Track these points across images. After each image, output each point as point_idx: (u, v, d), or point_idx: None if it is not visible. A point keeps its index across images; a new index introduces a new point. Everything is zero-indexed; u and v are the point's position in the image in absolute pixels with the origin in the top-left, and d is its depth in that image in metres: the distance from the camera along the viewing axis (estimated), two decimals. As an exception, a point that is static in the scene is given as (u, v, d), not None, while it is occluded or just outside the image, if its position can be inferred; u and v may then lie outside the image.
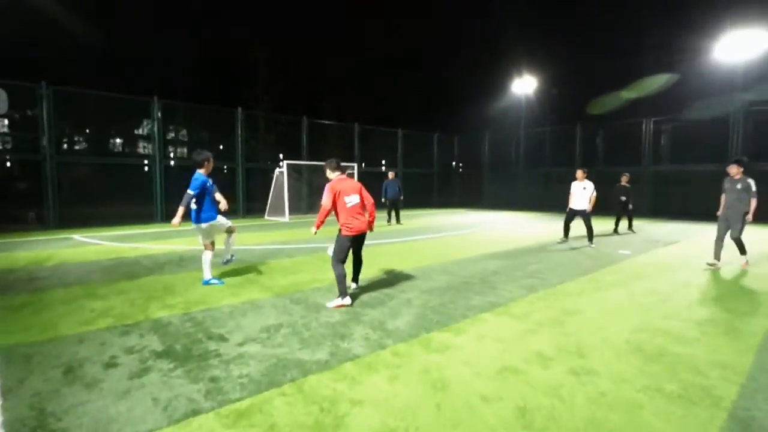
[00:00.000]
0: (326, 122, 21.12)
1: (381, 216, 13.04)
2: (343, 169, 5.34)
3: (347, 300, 4.87)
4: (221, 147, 20.00)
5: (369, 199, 5.25)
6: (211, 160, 5.86)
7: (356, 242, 5.24)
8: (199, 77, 30.37)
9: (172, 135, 23.18)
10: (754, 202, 6.79)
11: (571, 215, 9.88)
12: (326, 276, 6.37)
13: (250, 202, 17.48)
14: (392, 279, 6.23)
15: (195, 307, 4.80)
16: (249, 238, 10.88)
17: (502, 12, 38.60)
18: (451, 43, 43.30)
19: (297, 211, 17.56)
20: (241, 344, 3.72)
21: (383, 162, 23.32)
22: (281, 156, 23.03)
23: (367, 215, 5.20)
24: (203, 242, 5.89)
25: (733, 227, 6.91)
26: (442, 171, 25.71)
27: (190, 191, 5.49)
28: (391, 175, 14.63)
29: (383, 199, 14.22)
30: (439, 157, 25.50)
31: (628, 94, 26.97)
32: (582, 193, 9.61)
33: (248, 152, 18.38)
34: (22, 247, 9.23)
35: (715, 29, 17.46)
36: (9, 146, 16.92)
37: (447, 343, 3.79)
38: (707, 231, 12.69)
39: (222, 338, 3.86)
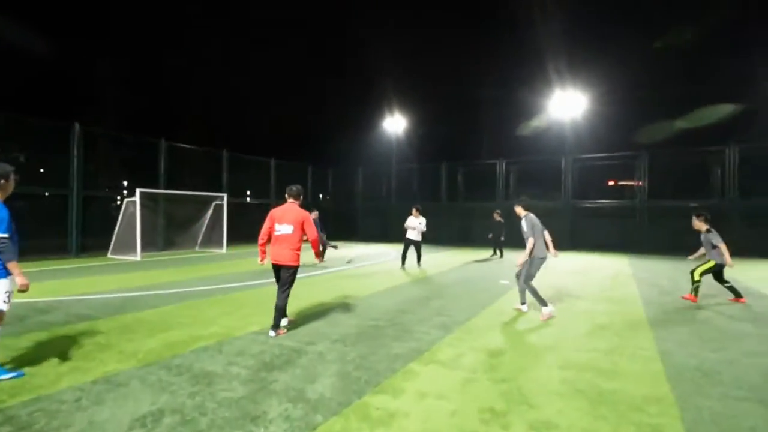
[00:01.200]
0: (189, 147, 18.87)
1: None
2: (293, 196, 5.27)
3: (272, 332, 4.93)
4: (41, 170, 16.12)
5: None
6: (11, 177, 3.71)
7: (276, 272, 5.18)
8: (29, 88, 24.77)
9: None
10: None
11: (408, 244, 11.61)
12: (210, 330, 5.17)
13: (86, 237, 14.28)
14: (290, 327, 5.34)
15: (12, 398, 3.26)
16: (89, 284, 8.64)
17: (372, 54, 40.73)
18: (325, 78, 43.95)
19: (152, 247, 14.99)
20: (102, 455, 2.52)
21: (248, 192, 21.73)
22: (125, 183, 19.70)
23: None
24: None
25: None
26: (316, 203, 25.15)
27: (3, 234, 3.47)
28: (313, 215, 13.22)
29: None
30: (314, 190, 24.92)
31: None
32: (417, 226, 11.55)
33: (85, 177, 15.24)
34: None
35: (548, 90, 20.94)
36: None
37: (388, 409, 3.16)
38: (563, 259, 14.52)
39: (67, 448, 2.58)
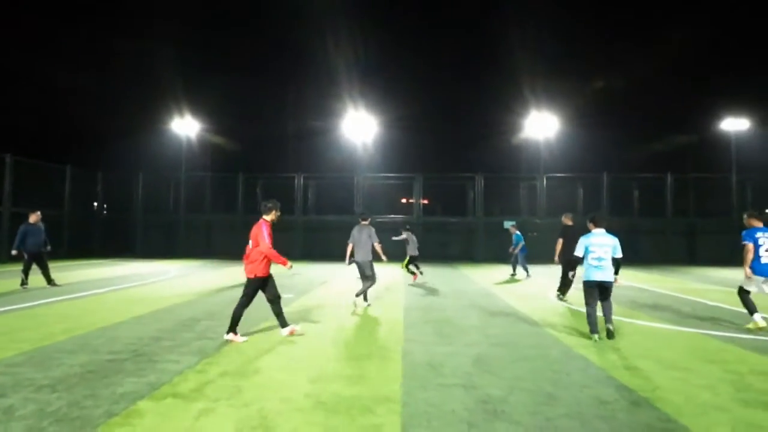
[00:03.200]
0: None
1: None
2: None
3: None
4: None
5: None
6: None
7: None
8: None
9: None
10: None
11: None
12: None
13: None
14: (-21, 378, 3.98)
15: None
16: None
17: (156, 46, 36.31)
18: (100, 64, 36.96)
19: None
20: None
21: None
22: None
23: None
24: None
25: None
26: (78, 213, 20.61)
27: None
28: (33, 218, 10.00)
29: (14, 251, 9.75)
30: (74, 196, 20.39)
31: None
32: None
33: None
34: None
35: (343, 110, 22.35)
36: None
37: (81, 469, 2.54)
38: (342, 272, 15.37)
39: None
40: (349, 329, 6.25)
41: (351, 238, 7.89)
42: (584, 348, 5.31)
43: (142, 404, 3.47)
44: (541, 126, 21.40)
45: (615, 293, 6.06)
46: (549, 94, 26.05)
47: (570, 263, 7.71)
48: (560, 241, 8.63)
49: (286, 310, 7.58)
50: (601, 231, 5.82)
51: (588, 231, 5.96)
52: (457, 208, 22.69)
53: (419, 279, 11.99)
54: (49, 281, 10.07)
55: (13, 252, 9.80)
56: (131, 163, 23.45)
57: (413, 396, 3.73)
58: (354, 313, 7.49)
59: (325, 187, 22.67)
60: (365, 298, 8.00)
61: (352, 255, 7.88)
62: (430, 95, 33.65)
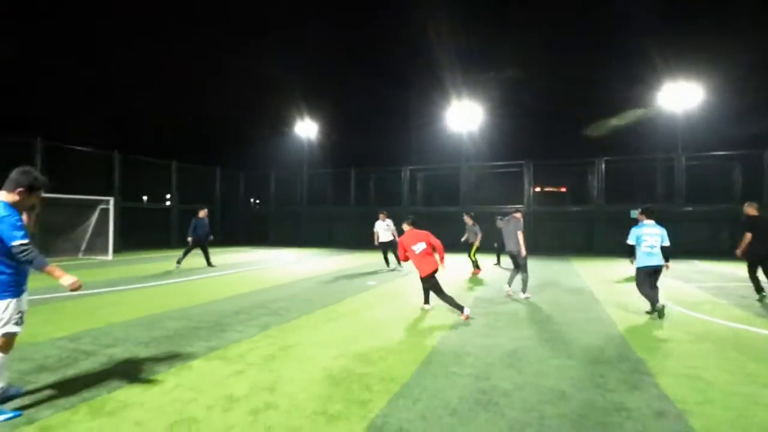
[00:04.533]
0: (74, 148, 17.73)
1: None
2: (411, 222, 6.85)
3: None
4: None
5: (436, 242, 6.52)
6: (35, 192, 3.34)
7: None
8: None
9: None
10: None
11: (384, 248, 12.38)
12: (8, 338, 5.04)
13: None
14: (109, 331, 5.36)
15: None
16: None
17: (280, 58, 40.54)
18: (238, 80, 42.98)
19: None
20: None
21: (144, 197, 20.85)
22: None
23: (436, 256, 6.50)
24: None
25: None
26: (226, 207, 24.56)
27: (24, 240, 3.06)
28: (202, 213, 12.58)
29: (189, 239, 12.28)
30: (223, 193, 24.34)
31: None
32: (386, 229, 12.28)
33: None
34: None
35: (446, 100, 22.23)
36: None
37: (128, 401, 3.37)
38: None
39: None
40: (402, 315, 6.51)
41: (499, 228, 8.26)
42: (649, 354, 4.71)
43: (196, 362, 4.31)
44: (679, 96, 18.25)
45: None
46: (688, 58, 21.83)
47: (757, 258, 7.57)
48: (748, 234, 7.59)
49: (356, 296, 8.20)
50: (651, 222, 6.52)
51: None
52: (578, 195, 20.85)
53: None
54: (209, 263, 12.59)
55: (189, 239, 12.31)
56: (267, 163, 27.02)
57: (418, 380, 3.88)
58: (511, 296, 7.70)
59: (432, 179, 22.95)
60: (524, 291, 7.96)
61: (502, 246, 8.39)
62: (539, 76, 31.13)
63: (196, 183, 22.53)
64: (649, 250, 6.34)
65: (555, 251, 18.23)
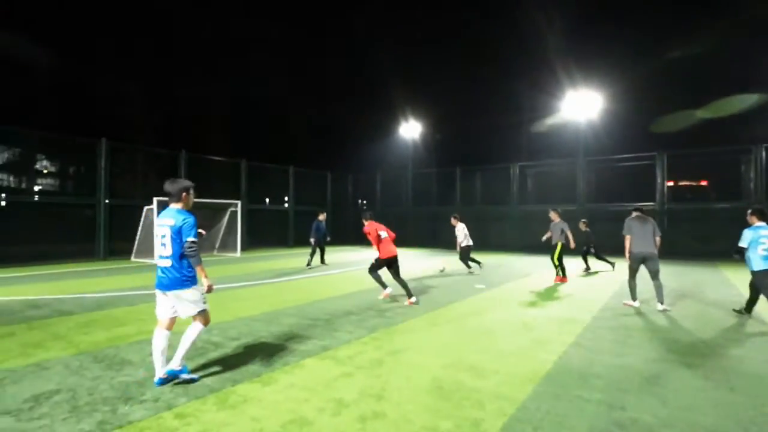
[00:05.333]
0: (210, 157, 20.20)
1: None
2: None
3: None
4: (74, 181, 18.02)
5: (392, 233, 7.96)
6: (191, 191, 4.04)
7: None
8: (62, 106, 27.40)
9: (19, 166, 20.40)
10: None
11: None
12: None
13: (118, 242, 15.71)
14: (235, 325, 5.86)
15: (-43, 375, 3.97)
16: (95, 284, 9.64)
17: (385, 59, 41.30)
18: (343, 84, 45.03)
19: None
20: (-14, 420, 3.11)
21: (266, 200, 22.78)
22: (151, 192, 21.39)
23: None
24: (196, 312, 3.88)
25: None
26: (336, 209, 25.86)
27: (194, 239, 3.76)
28: (321, 216, 13.49)
29: (311, 240, 13.18)
30: (333, 195, 25.67)
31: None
32: (462, 230, 11.85)
33: (121, 188, 16.80)
34: None
35: (559, 90, 20.49)
36: None
37: (248, 396, 3.56)
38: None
39: (-34, 414, 3.20)
40: (514, 324, 6.03)
41: (627, 230, 7.23)
42: None
43: (308, 361, 4.45)
44: None
45: None
46: None
47: None
48: None
49: (464, 301, 7.86)
50: (764, 224, 6.21)
51: None
52: (724, 189, 17.65)
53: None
54: (323, 262, 13.63)
55: (311, 240, 13.21)
56: (373, 165, 27.85)
57: (537, 403, 3.48)
58: (633, 306, 7.09)
59: (544, 176, 21.37)
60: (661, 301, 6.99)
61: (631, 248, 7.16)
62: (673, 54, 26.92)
63: (310, 186, 24.08)
64: (765, 253, 6.04)
65: (697, 256, 15.64)
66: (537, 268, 13.00)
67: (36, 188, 17.98)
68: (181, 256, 3.74)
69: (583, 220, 12.66)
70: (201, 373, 4.04)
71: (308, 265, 12.96)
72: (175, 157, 17.94)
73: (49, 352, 4.68)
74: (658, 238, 7.06)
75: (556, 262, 10.08)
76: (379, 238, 7.64)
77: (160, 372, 3.74)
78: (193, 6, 41.54)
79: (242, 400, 3.48)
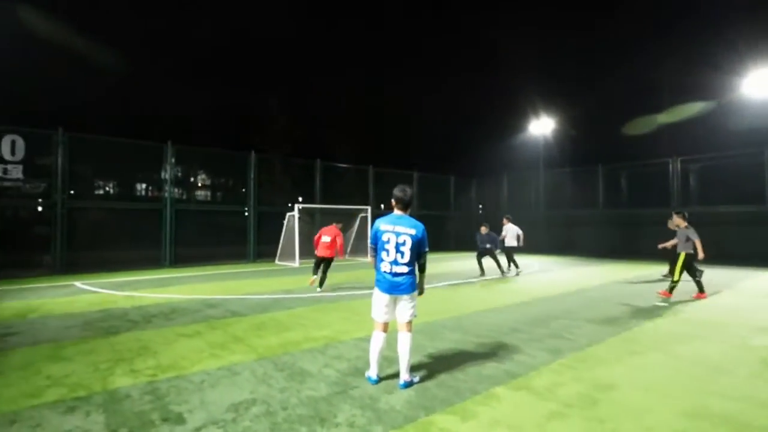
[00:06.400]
0: (341, 165, 21.05)
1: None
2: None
3: None
4: (232, 191, 20.15)
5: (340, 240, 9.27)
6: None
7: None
8: (216, 125, 31.21)
9: (191, 180, 23.58)
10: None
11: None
12: (322, 333, 5.71)
13: (263, 245, 17.13)
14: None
15: (164, 373, 4.20)
16: (251, 285, 10.35)
17: (514, 54, 39.20)
18: (463, 87, 43.99)
19: (308, 255, 17.10)
20: (198, 430, 3.07)
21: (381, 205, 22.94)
22: (300, 199, 23.05)
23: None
24: (412, 317, 4.00)
25: None
26: (460, 213, 25.05)
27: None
28: (483, 229, 13.01)
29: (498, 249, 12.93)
30: (457, 200, 24.93)
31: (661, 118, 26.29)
32: (513, 231, 12.87)
33: (263, 196, 18.31)
34: (17, 295, 8.90)
35: (740, 67, 16.92)
36: (29, 191, 17.33)
37: (445, 428, 3.05)
38: (747, 278, 11.56)
39: (179, 420, 3.22)
40: (744, 360, 4.63)
41: None
42: None
43: (500, 390, 3.81)
44: None
45: None
46: None
47: None
48: None
49: (650, 322, 6.50)
50: None
51: None
52: None
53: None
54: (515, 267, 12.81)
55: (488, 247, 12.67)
56: (498, 168, 26.44)
57: None
58: None
59: (711, 170, 17.81)
60: None
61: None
62: None
63: (434, 190, 23.70)
64: None
65: None
66: (723, 283, 10.64)
67: (197, 197, 20.62)
68: (414, 263, 3.93)
69: (684, 213, 10.83)
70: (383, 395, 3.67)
71: (482, 274, 12.24)
72: (309, 165, 18.98)
73: (234, 354, 4.80)
74: None
75: (678, 277, 8.36)
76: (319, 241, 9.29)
77: (375, 370, 3.96)
78: (328, 27, 44.76)
79: (445, 436, 2.98)
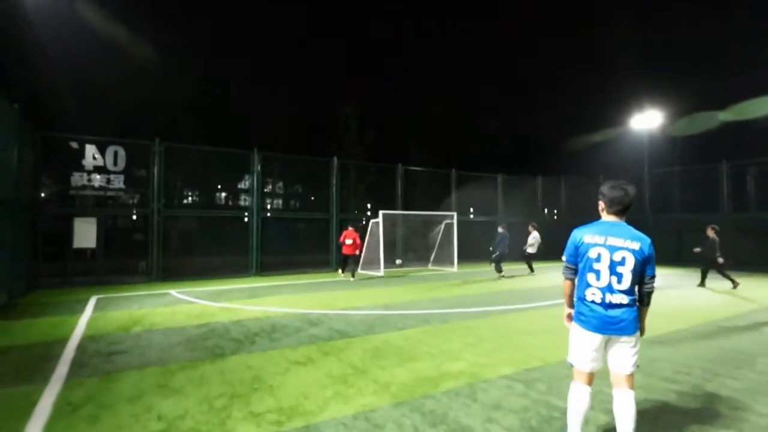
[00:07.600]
0: (420, 169, 20.12)
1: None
2: None
3: None
4: (312, 198, 19.92)
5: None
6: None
7: None
8: (292, 133, 31.61)
9: (269, 188, 23.83)
10: None
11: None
12: (457, 367, 4.69)
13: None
14: (550, 371, 4.33)
15: (290, 421, 3.39)
16: (345, 298, 9.62)
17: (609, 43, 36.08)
18: (548, 80, 41.35)
19: (392, 264, 16.30)
20: None
21: (471, 210, 21.52)
22: (368, 206, 22.45)
23: None
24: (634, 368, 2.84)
25: None
26: (547, 218, 23.03)
27: None
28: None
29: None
30: (544, 204, 22.94)
31: None
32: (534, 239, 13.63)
33: (341, 203, 17.89)
34: (120, 304, 8.86)
35: None
36: (129, 201, 18.30)
37: None
38: None
39: (333, 507, 2.33)
40: None
41: None
42: None
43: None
44: None
45: None
46: None
47: None
48: None
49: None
50: None
51: None
52: None
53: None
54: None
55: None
56: (589, 167, 24.07)
57: None
58: None
59: None
60: None
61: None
62: None
63: (517, 194, 21.96)
64: None
65: None
66: None
67: (276, 205, 20.68)
68: (634, 291, 2.81)
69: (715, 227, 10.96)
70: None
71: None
72: (388, 170, 18.21)
73: (363, 395, 3.91)
74: None
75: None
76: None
77: None
78: (414, 36, 44.45)
79: None
